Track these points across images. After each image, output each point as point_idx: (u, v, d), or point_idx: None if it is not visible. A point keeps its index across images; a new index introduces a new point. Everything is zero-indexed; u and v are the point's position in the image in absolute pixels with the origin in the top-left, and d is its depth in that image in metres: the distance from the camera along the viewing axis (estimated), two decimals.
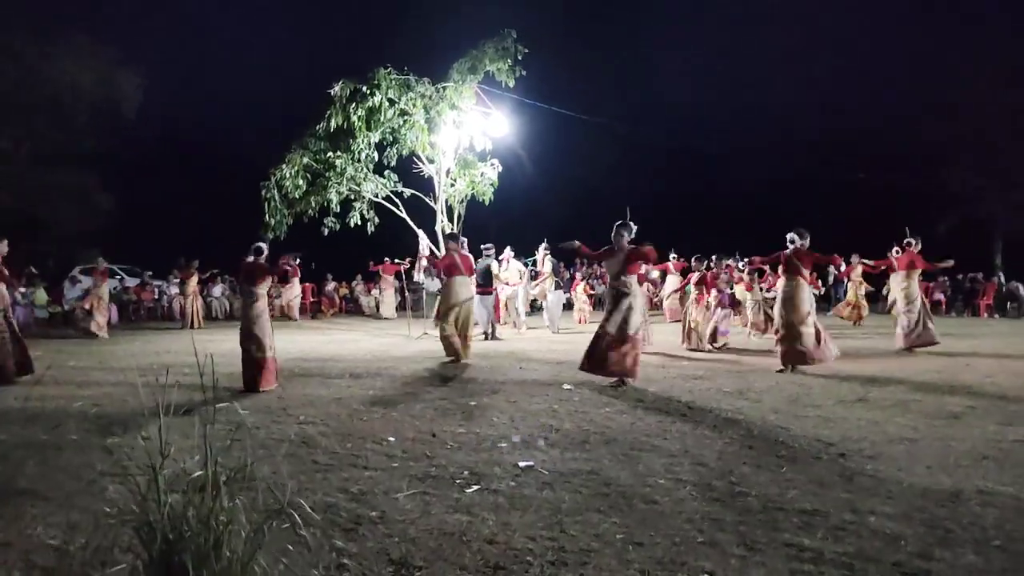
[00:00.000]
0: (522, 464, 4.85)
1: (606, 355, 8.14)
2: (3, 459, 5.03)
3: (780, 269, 9.72)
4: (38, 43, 24.38)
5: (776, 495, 4.17)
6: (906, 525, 3.68)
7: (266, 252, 8.62)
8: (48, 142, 25.53)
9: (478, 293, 14.32)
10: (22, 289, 19.77)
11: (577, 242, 8.68)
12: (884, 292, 13.31)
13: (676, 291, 17.31)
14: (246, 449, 5.09)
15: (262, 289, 8.55)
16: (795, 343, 9.35)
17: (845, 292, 18.97)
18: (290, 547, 3.06)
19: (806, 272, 9.55)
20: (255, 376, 8.05)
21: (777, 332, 9.69)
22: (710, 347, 12.39)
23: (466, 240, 15.23)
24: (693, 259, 13.29)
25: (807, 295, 9.56)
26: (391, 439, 5.65)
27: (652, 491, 4.27)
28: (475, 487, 4.36)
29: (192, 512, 2.38)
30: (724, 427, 6.03)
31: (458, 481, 4.49)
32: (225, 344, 8.05)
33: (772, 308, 13.91)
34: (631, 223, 8.44)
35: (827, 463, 4.88)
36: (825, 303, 20.45)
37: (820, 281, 20.60)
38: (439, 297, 12.07)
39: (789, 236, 9.62)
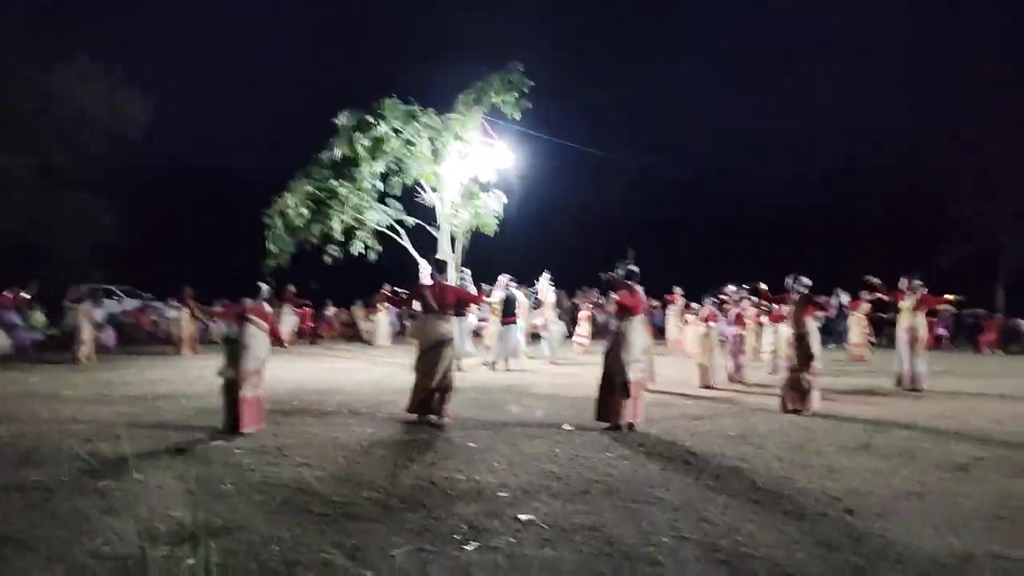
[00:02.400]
0: (522, 518, 4.74)
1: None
2: None
3: (790, 311, 9.73)
4: (44, 68, 24.48)
5: (783, 558, 4.06)
6: None
7: (265, 294, 8.13)
8: (55, 166, 25.57)
9: (507, 323, 14.36)
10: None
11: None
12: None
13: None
14: (242, 497, 5.02)
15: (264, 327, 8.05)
16: (800, 385, 9.30)
17: (847, 330, 18.83)
18: None
19: (808, 317, 9.56)
20: (237, 416, 7.57)
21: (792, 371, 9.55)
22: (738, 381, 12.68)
23: (469, 271, 15.23)
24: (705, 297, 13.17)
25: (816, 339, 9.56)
26: (389, 486, 5.54)
27: (656, 551, 4.16)
28: (474, 544, 4.25)
29: None
30: (728, 477, 5.92)
31: (456, 536, 4.38)
32: None
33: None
34: (633, 267, 8.38)
35: (834, 520, 4.77)
36: (826, 335, 20.31)
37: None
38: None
39: (803, 280, 9.61)
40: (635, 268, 8.36)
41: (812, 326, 9.55)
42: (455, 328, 13.90)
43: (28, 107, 24.27)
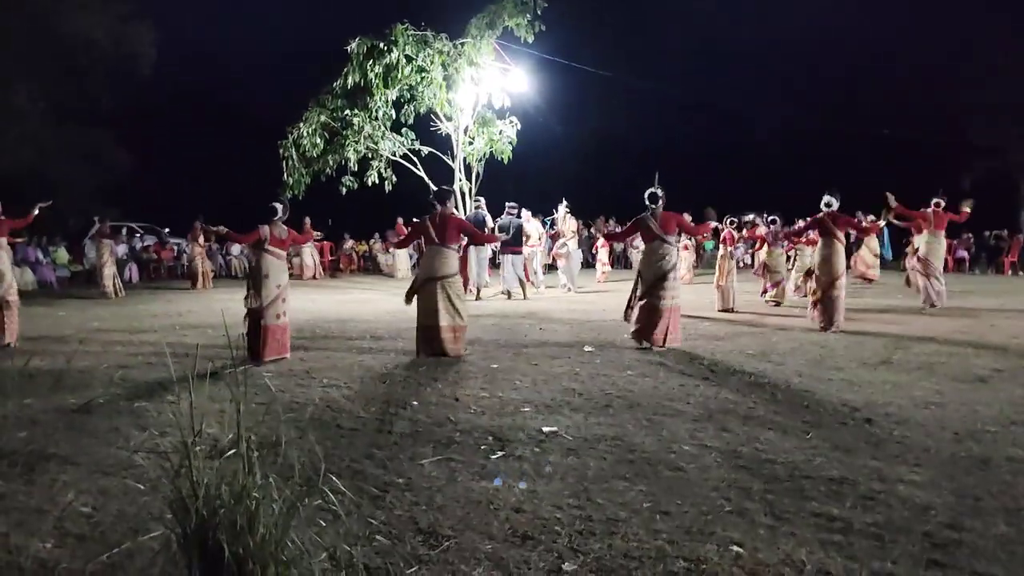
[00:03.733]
0: (546, 429, 4.86)
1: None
2: (34, 424, 5.10)
3: (816, 232, 9.79)
4: (50, 1, 24.15)
5: (803, 462, 4.15)
6: (935, 494, 3.66)
7: (281, 213, 7.99)
8: (64, 99, 25.41)
9: (507, 252, 14.28)
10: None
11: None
12: (910, 249, 13.17)
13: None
14: (272, 414, 5.15)
15: (282, 251, 8.07)
16: (828, 304, 9.37)
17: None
18: (321, 521, 3.06)
19: (840, 235, 9.61)
20: (260, 344, 7.60)
21: (813, 293, 9.75)
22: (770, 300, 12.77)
23: (483, 200, 15.20)
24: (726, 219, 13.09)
25: (842, 258, 9.57)
26: (414, 403, 5.68)
27: (677, 458, 4.26)
28: (500, 453, 4.37)
29: (225, 488, 2.38)
30: (748, 391, 6.01)
31: (483, 447, 4.50)
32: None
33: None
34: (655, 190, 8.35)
35: (853, 429, 4.85)
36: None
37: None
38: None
39: (825, 199, 9.59)
40: (658, 191, 8.32)
41: (838, 247, 9.52)
42: (472, 259, 14.04)
43: (34, 40, 24.00)
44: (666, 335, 8.11)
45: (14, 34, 23.37)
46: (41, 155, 24.87)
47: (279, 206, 8.01)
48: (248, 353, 7.60)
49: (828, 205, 9.61)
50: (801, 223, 12.80)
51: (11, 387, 6.29)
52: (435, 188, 8.80)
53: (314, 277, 21.42)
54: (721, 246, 12.61)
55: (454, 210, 8.18)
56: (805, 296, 13.20)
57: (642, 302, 8.19)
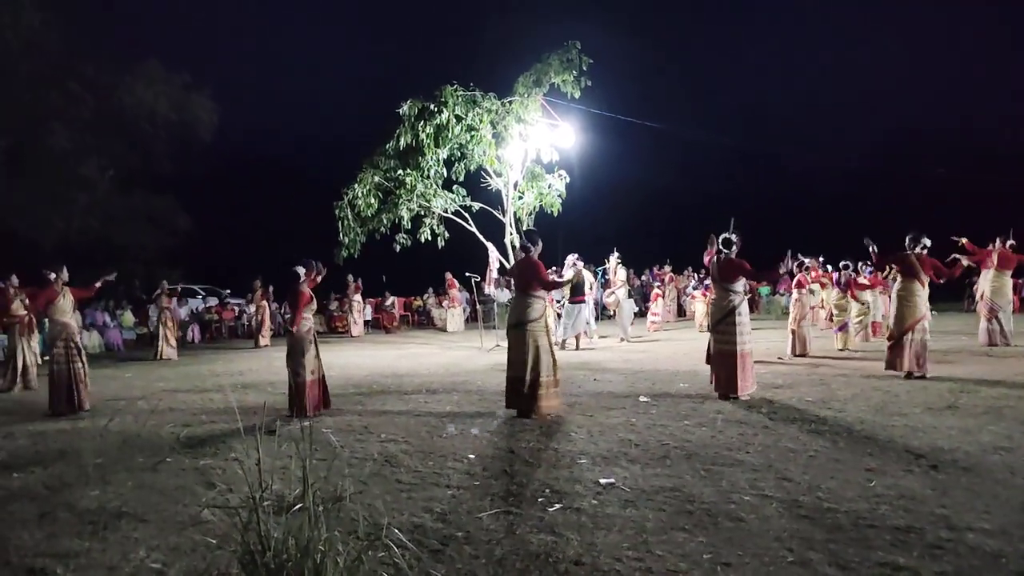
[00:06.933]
0: (603, 481, 4.85)
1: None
2: (104, 483, 5.27)
3: (898, 270, 9.46)
4: (114, 72, 25.36)
5: (867, 511, 4.07)
6: (1006, 542, 3.56)
7: (303, 276, 8.15)
8: (128, 167, 26.51)
9: (573, 302, 14.43)
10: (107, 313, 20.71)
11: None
12: (974, 291, 13.05)
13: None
14: (334, 469, 5.24)
15: (306, 312, 8.09)
16: (898, 348, 9.12)
17: None
18: (384, 575, 3.11)
19: (924, 277, 9.18)
20: (296, 400, 7.77)
21: (890, 336, 9.38)
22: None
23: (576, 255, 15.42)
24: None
25: (919, 301, 9.13)
26: (471, 456, 5.72)
27: (737, 508, 4.22)
28: (558, 505, 4.38)
29: (292, 542, 2.46)
30: (808, 439, 5.91)
31: (540, 499, 4.51)
32: None
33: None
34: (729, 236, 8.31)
35: (919, 476, 4.74)
36: None
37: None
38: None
39: (922, 240, 9.24)
40: (732, 236, 8.26)
41: (918, 289, 9.21)
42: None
43: (101, 112, 25.15)
44: (737, 382, 7.90)
45: (83, 107, 24.55)
46: (108, 221, 25.88)
47: (302, 270, 8.19)
48: (288, 410, 7.87)
49: (925, 247, 9.26)
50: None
51: (86, 448, 6.53)
52: (524, 232, 8.23)
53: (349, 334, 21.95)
54: (795, 290, 12.49)
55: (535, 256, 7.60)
56: (866, 340, 13.05)
57: (711, 348, 8.19)
